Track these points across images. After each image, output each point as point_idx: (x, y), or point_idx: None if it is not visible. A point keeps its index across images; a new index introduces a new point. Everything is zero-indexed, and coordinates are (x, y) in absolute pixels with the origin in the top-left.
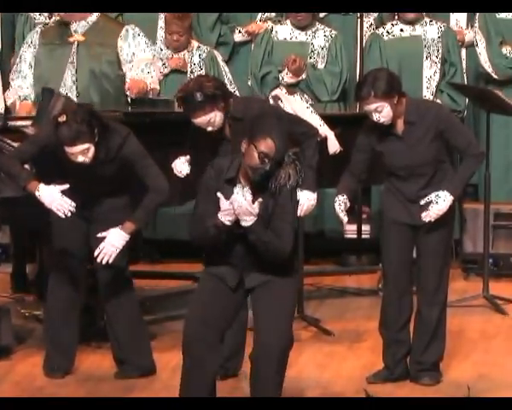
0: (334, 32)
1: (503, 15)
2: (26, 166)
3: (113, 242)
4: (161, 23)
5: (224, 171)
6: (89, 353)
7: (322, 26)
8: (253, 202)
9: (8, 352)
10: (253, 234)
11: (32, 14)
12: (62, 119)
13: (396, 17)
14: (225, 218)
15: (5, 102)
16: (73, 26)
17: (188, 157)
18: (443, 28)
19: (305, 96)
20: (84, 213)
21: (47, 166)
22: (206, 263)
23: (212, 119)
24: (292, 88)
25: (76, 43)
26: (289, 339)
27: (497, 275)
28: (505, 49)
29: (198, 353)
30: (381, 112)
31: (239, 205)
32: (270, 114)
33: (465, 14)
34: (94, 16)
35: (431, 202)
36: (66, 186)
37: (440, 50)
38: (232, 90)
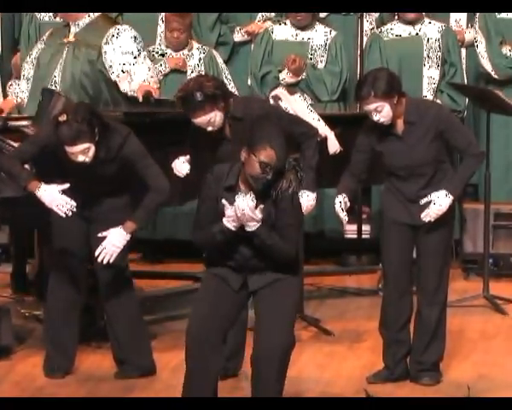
0: (334, 31)
1: (503, 15)
2: (26, 166)
3: (113, 241)
4: (161, 23)
5: (223, 177)
6: (89, 353)
7: (322, 26)
8: (256, 206)
9: (8, 352)
10: (258, 238)
11: (36, 13)
12: (63, 118)
13: (396, 17)
14: (230, 224)
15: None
16: (72, 27)
17: (188, 157)
18: (443, 28)
19: (305, 95)
20: (85, 213)
21: (47, 166)
22: (208, 264)
23: (212, 118)
24: (292, 88)
25: (68, 44)
26: (291, 340)
27: (497, 275)
28: (505, 49)
29: (201, 353)
30: (381, 112)
31: (241, 212)
32: (268, 120)
33: (465, 14)
34: (88, 17)
35: (431, 201)
36: (67, 186)
37: (440, 50)
38: (231, 90)
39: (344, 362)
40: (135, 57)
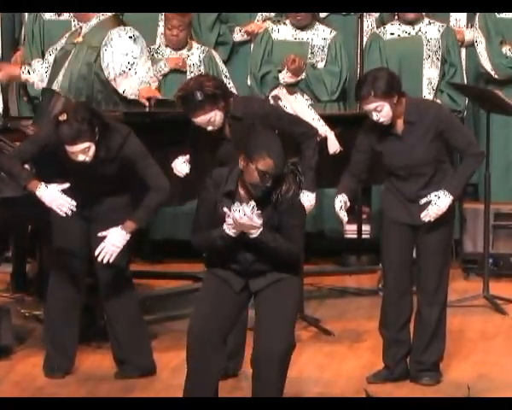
0: (334, 31)
1: (503, 15)
2: (27, 166)
3: (113, 241)
4: (162, 23)
5: (222, 182)
6: (89, 353)
7: (322, 26)
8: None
9: (8, 352)
10: (262, 242)
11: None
12: (63, 117)
13: (396, 17)
14: (231, 231)
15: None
16: (84, 28)
17: (187, 157)
18: (443, 28)
19: (305, 95)
20: (85, 213)
21: (47, 165)
22: (209, 265)
23: (212, 118)
24: (292, 88)
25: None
26: (292, 340)
27: (497, 275)
28: (505, 49)
29: (203, 353)
30: (381, 111)
31: (239, 223)
32: (265, 127)
33: (465, 14)
34: (97, 19)
35: (430, 201)
36: (67, 185)
37: (440, 50)
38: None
39: (344, 362)
40: (135, 58)
